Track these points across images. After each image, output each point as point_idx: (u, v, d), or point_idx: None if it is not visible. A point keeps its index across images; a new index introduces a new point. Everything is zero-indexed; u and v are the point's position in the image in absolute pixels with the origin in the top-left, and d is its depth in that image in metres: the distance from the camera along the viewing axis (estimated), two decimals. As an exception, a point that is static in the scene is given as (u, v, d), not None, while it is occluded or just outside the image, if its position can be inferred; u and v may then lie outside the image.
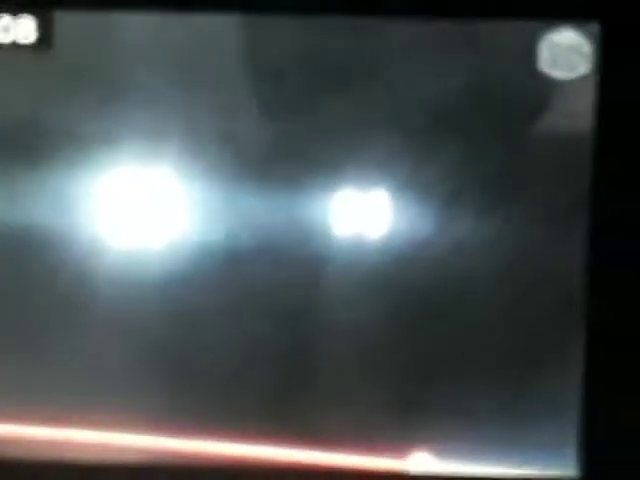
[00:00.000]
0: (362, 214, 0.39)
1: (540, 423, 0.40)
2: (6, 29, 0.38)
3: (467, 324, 0.40)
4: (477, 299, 0.39)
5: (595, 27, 0.38)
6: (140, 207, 0.39)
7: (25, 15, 0.38)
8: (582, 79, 0.38)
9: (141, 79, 0.39)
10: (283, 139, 0.39)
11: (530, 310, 0.40)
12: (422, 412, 0.40)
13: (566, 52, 0.38)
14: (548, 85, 0.39)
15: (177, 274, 0.39)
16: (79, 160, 0.39)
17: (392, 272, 0.39)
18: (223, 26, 0.39)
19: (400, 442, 0.40)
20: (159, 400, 0.40)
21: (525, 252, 0.39)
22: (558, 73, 0.39)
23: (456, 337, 0.40)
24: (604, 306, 0.39)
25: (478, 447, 0.40)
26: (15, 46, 0.38)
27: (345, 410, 0.40)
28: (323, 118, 0.39)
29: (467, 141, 0.39)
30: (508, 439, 0.40)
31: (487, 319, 0.40)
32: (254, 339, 0.40)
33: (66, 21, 0.38)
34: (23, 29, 0.38)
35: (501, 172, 0.39)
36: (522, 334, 0.40)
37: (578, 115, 0.39)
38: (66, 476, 0.40)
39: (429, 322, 0.40)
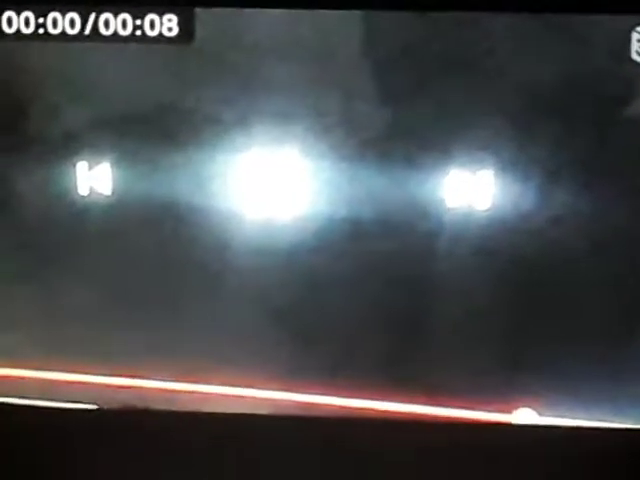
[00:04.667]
0: (470, 189, 0.43)
1: (631, 382, 0.43)
2: (152, 24, 0.42)
3: (565, 289, 0.43)
4: (574, 266, 0.43)
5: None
6: (271, 183, 0.43)
7: (169, 11, 0.42)
8: (670, 67, 0.42)
9: (272, 68, 0.42)
10: (399, 122, 0.43)
11: (622, 275, 0.43)
12: (526, 371, 0.44)
13: (655, 43, 0.42)
14: (639, 72, 0.42)
15: (304, 244, 0.43)
16: (217, 141, 0.43)
17: (497, 242, 0.43)
18: (344, 21, 0.42)
19: (506, 398, 0.44)
20: (286, 358, 0.44)
21: (616, 224, 0.43)
22: (648, 62, 0.42)
23: (556, 302, 0.43)
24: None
25: (576, 402, 0.44)
26: (160, 39, 0.42)
27: (457, 368, 0.44)
28: (435, 103, 0.43)
29: (564, 124, 0.42)
30: (602, 396, 0.43)
31: (583, 285, 0.43)
32: (374, 303, 0.43)
33: (205, 17, 0.42)
34: (167, 24, 0.42)
35: (595, 151, 0.43)
36: (615, 299, 0.43)
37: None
38: (203, 425, 0.44)
39: (531, 287, 0.43)
